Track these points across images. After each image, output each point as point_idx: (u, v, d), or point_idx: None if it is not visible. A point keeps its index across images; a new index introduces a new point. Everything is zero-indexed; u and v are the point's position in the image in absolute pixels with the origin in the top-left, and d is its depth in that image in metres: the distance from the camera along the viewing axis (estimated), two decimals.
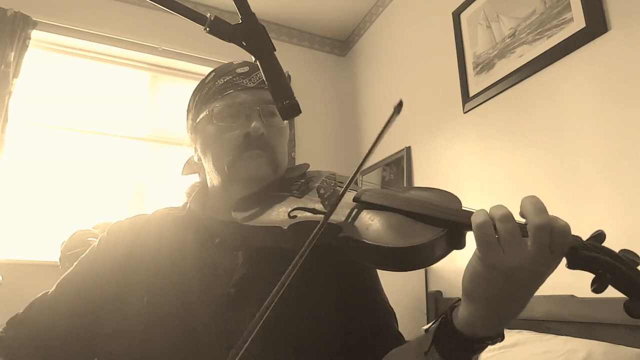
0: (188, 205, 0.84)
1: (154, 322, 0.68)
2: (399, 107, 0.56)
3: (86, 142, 2.84)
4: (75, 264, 0.80)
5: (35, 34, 2.67)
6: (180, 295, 0.70)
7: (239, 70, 0.80)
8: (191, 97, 0.85)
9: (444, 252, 0.55)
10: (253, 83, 0.79)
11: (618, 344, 1.31)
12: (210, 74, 0.84)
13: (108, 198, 2.80)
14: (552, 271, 0.49)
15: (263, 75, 0.62)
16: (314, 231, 0.51)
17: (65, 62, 2.90)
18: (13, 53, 2.51)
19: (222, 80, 0.80)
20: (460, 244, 0.55)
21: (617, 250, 0.50)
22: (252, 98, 0.78)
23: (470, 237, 0.55)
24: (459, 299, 0.56)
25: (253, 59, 0.62)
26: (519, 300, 0.51)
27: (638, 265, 0.48)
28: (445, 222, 0.54)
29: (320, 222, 0.53)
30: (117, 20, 2.93)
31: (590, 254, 0.48)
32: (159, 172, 2.97)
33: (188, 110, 0.86)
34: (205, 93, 0.81)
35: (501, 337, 0.55)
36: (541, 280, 0.50)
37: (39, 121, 2.74)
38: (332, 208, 0.56)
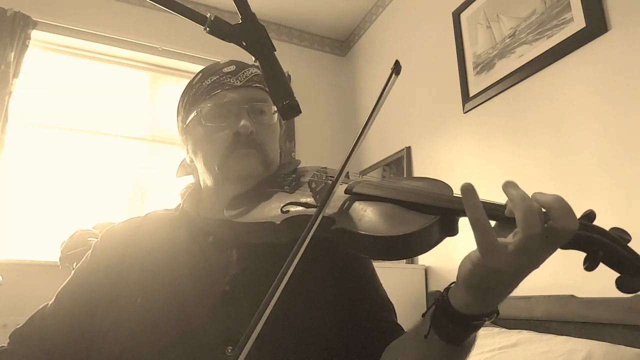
0: (181, 205, 0.85)
1: (148, 323, 0.68)
2: (396, 67, 0.55)
3: (86, 142, 2.84)
4: (72, 273, 0.81)
5: (35, 34, 2.67)
6: (174, 295, 0.70)
7: (225, 70, 0.80)
8: (180, 99, 0.85)
9: (437, 239, 0.55)
10: (240, 82, 0.79)
11: (618, 344, 1.31)
12: (197, 75, 0.84)
13: (108, 198, 2.80)
14: (549, 255, 0.49)
15: (263, 76, 0.62)
16: (309, 224, 0.51)
17: (65, 62, 2.90)
18: (13, 53, 2.51)
19: (209, 80, 0.80)
20: (453, 230, 0.55)
21: (607, 228, 0.51)
22: (240, 97, 0.78)
23: (462, 223, 0.55)
24: (454, 282, 0.56)
25: (253, 59, 0.62)
26: (517, 282, 0.51)
27: (628, 242, 0.49)
28: (437, 209, 0.54)
29: (314, 214, 0.52)
30: (117, 20, 2.93)
31: (581, 233, 0.49)
32: (158, 172, 2.97)
33: (177, 113, 0.86)
34: (193, 94, 0.81)
35: (497, 313, 0.55)
36: (540, 262, 0.50)
37: (39, 121, 2.74)
38: (324, 200, 0.56)
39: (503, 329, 1.68)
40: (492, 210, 0.51)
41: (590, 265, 0.48)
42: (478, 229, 0.48)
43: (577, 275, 1.56)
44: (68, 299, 0.76)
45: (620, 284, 0.48)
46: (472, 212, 0.48)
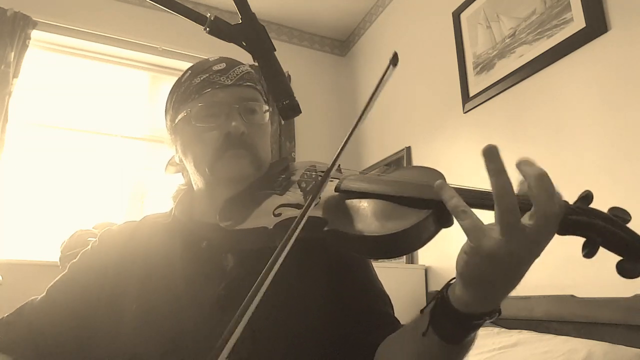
0: (173, 212, 0.83)
1: (144, 329, 0.68)
2: (394, 58, 0.53)
3: (86, 142, 2.84)
4: (65, 270, 0.80)
5: (35, 34, 2.67)
6: (170, 300, 0.70)
7: (215, 68, 0.78)
8: (168, 97, 0.83)
9: (432, 233, 0.54)
10: (231, 80, 0.77)
11: (618, 344, 1.31)
12: (186, 72, 0.81)
13: (108, 198, 2.80)
14: (548, 242, 0.47)
15: (263, 76, 0.62)
16: (291, 228, 0.49)
17: (65, 62, 2.90)
18: (13, 53, 2.51)
19: (198, 78, 0.77)
20: (448, 222, 0.54)
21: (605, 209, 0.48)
22: (231, 96, 0.76)
23: None
24: (454, 278, 0.54)
25: (253, 59, 0.62)
26: (516, 276, 0.49)
27: (628, 222, 0.47)
28: (430, 201, 0.53)
29: (297, 218, 0.51)
30: (117, 20, 2.93)
31: (578, 218, 0.46)
32: (158, 172, 2.97)
33: (166, 111, 0.83)
34: (182, 92, 0.79)
35: (498, 312, 0.53)
36: (538, 253, 0.47)
37: (39, 121, 2.74)
38: (306, 207, 0.53)
39: (503, 329, 1.68)
40: (476, 198, 0.50)
41: (589, 251, 0.46)
42: (457, 214, 0.48)
43: (577, 275, 1.56)
44: (62, 297, 0.75)
45: (621, 269, 0.45)
46: (448, 200, 0.49)
